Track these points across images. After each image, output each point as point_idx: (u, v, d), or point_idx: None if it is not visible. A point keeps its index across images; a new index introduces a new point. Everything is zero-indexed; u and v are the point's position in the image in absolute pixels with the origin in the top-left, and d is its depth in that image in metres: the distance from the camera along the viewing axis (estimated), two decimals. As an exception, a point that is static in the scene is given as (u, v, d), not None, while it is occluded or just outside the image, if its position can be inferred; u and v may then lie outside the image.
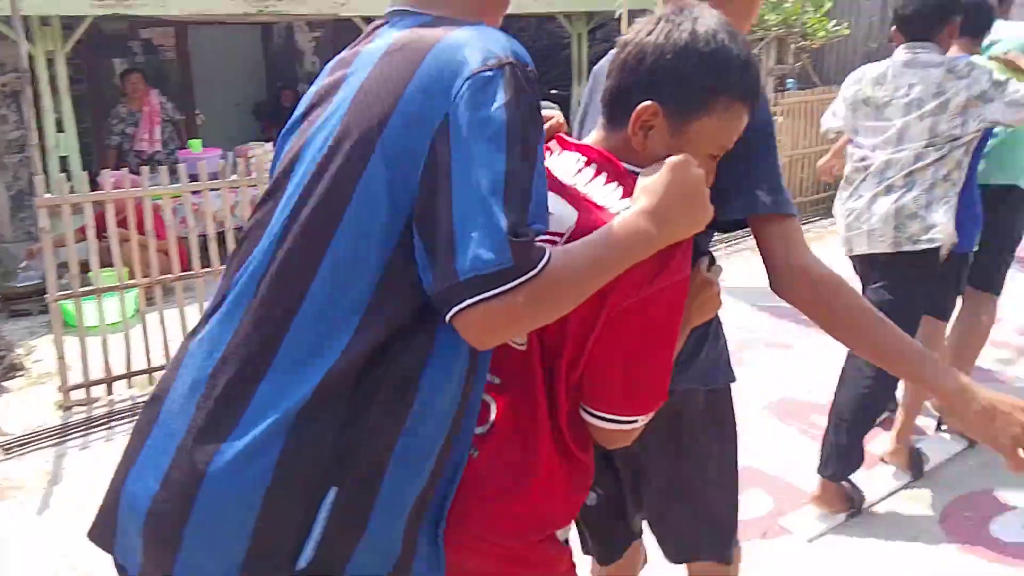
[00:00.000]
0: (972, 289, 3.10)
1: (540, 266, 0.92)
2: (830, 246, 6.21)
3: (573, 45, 9.78)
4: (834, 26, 8.12)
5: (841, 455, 2.65)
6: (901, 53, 2.63)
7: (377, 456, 0.98)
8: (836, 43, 8.46)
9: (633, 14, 7.35)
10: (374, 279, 0.96)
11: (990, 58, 2.88)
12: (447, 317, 0.93)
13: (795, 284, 1.27)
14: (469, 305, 0.90)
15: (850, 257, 2.80)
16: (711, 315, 1.33)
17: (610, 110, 1.20)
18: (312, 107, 1.09)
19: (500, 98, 0.93)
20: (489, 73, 0.95)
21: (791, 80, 7.95)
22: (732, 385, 1.57)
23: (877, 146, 2.64)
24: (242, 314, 1.00)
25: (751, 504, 2.74)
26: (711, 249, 1.44)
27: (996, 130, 2.77)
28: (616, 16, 7.73)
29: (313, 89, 1.12)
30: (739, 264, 4.86)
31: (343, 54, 1.12)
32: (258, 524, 0.94)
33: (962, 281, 2.99)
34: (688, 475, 1.52)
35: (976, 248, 2.93)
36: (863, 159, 2.68)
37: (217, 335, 1.02)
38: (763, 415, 3.46)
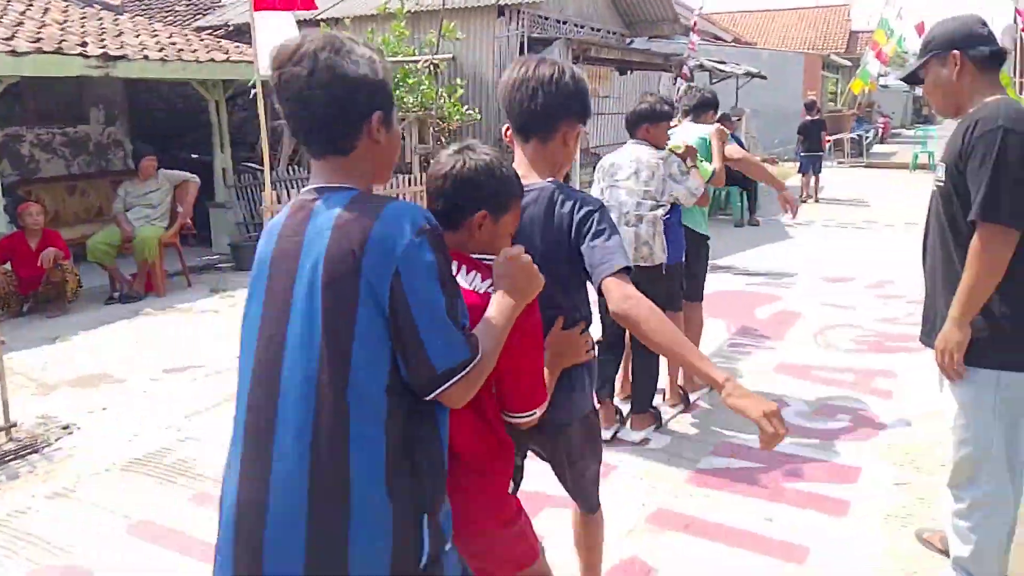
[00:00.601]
0: (686, 302, 4.58)
1: (480, 351, 1.51)
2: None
3: (212, 111, 9.33)
4: (467, 110, 8.77)
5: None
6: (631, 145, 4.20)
7: (432, 489, 1.52)
8: (470, 125, 9.13)
9: (267, 84, 7.17)
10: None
11: (669, 149, 4.23)
12: (432, 395, 1.47)
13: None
14: (452, 385, 1.47)
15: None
16: (576, 360, 2.11)
17: (449, 220, 1.79)
18: (274, 260, 1.54)
19: (428, 254, 1.45)
20: (418, 239, 1.45)
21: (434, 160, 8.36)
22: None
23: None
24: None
25: None
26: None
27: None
28: (251, 85, 7.53)
29: (269, 248, 1.56)
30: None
31: (287, 223, 1.55)
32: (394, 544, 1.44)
33: (679, 280, 4.44)
34: (574, 473, 2.34)
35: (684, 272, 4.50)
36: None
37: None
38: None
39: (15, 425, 4.27)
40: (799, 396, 4.68)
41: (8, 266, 6.69)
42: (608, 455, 3.93)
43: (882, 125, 27.55)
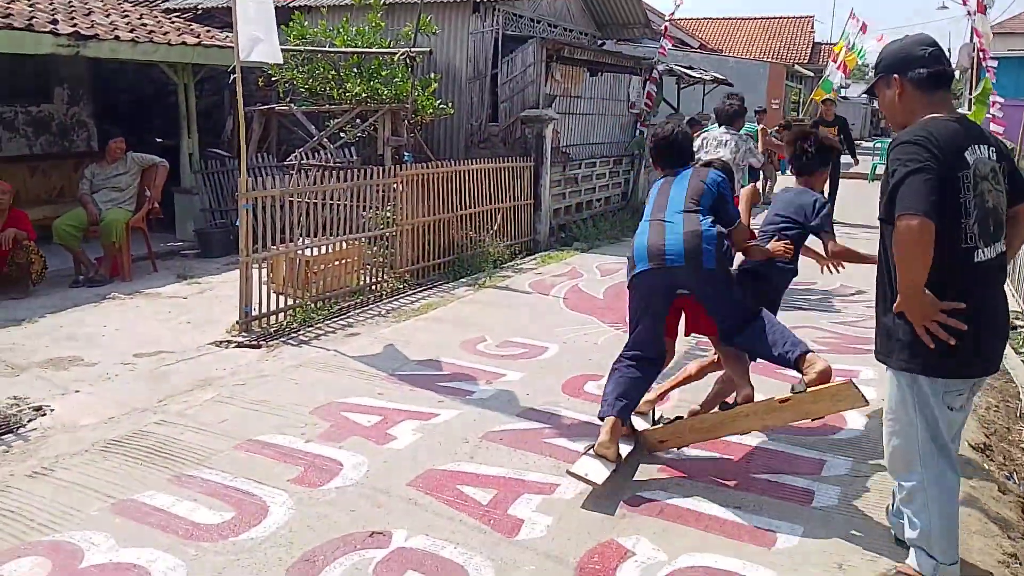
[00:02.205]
0: None
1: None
2: (452, 311, 6.67)
3: (180, 94, 9.22)
4: (440, 104, 8.80)
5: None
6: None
7: None
8: (443, 120, 9.17)
9: (246, 70, 7.13)
10: None
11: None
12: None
13: None
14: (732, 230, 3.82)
15: None
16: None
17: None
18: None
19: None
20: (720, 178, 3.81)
21: (408, 153, 8.38)
22: None
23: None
24: None
25: None
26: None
27: None
28: (230, 70, 7.48)
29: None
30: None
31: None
32: None
33: None
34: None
35: None
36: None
37: None
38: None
39: (-15, 405, 4.22)
40: (767, 394, 4.82)
41: (-29, 245, 6.55)
42: (583, 445, 4.05)
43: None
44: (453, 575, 2.91)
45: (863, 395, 3.33)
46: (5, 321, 5.92)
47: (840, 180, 12.17)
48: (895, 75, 2.71)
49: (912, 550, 2.81)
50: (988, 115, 11.76)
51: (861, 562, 3.04)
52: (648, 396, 4.21)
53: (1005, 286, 2.85)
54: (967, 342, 2.59)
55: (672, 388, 4.41)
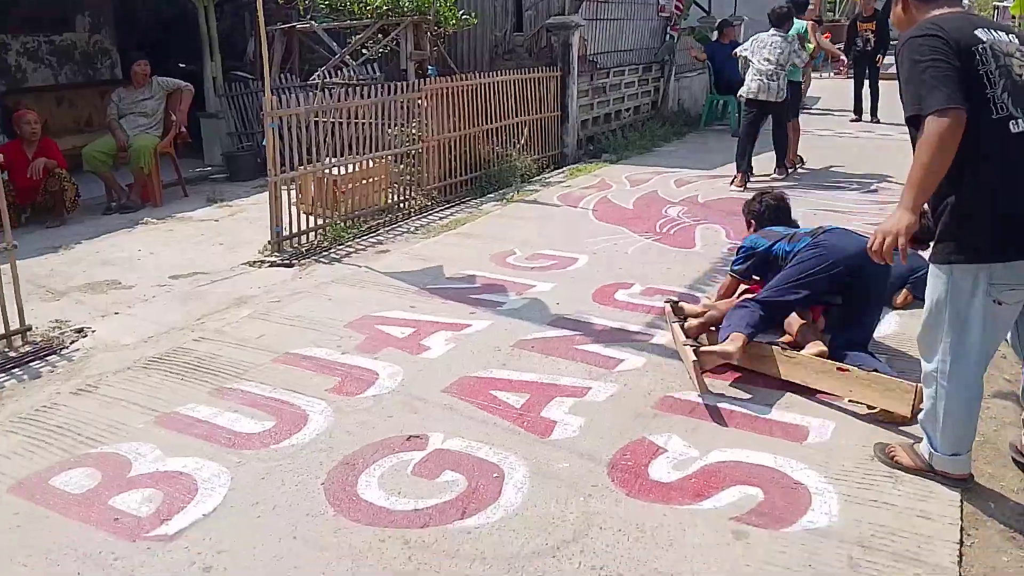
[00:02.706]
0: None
1: None
2: (481, 225, 6.66)
3: (200, 18, 9.09)
4: (463, 15, 8.58)
5: None
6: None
7: None
8: (466, 31, 8.95)
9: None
10: None
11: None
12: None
13: None
14: None
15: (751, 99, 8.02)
16: None
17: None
18: None
19: None
20: None
21: (432, 66, 8.23)
22: None
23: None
24: None
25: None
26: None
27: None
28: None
29: None
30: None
31: None
32: None
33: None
34: None
35: None
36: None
37: None
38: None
39: (30, 329, 4.34)
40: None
41: (5, 175, 6.63)
42: (613, 351, 4.07)
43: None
44: (489, 473, 2.98)
45: (912, 408, 3.17)
46: (43, 249, 6.03)
47: (880, 81, 11.84)
48: None
49: (921, 426, 2.88)
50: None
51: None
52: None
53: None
54: (1003, 225, 2.52)
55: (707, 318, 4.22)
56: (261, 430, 3.33)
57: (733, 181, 8.02)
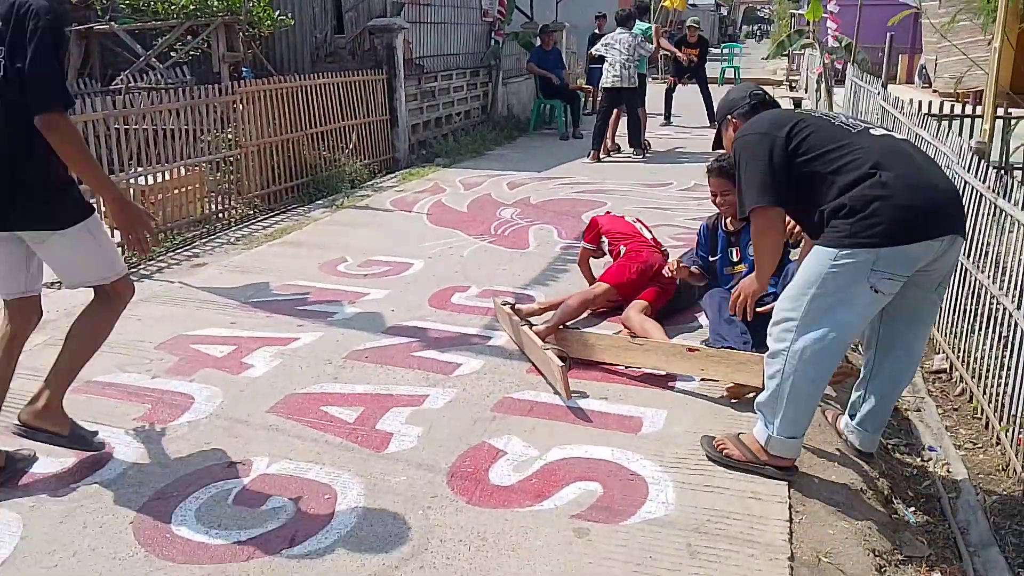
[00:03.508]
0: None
1: None
2: (309, 234, 6.37)
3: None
4: (279, 16, 8.23)
5: None
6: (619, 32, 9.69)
7: None
8: (285, 33, 8.59)
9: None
10: None
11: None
12: None
13: None
14: None
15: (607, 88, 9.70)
16: None
17: None
18: None
19: None
20: None
21: (246, 68, 7.82)
22: None
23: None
24: None
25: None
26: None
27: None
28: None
29: None
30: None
31: None
32: None
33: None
34: None
35: None
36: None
37: None
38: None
39: None
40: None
41: None
42: (451, 355, 3.97)
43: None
44: (320, 495, 2.78)
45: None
46: None
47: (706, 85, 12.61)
48: (727, 116, 3.19)
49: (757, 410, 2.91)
50: (825, 13, 12.22)
51: (721, 434, 3.13)
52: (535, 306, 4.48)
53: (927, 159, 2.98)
54: (879, 211, 2.58)
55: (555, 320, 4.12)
56: (59, 469, 2.96)
57: (588, 155, 9.74)
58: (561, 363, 3.50)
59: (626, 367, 3.73)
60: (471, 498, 2.77)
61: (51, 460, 3.00)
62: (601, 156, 9.75)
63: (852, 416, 3.15)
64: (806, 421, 2.83)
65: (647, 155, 10.09)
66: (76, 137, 2.67)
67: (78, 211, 2.75)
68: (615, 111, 9.86)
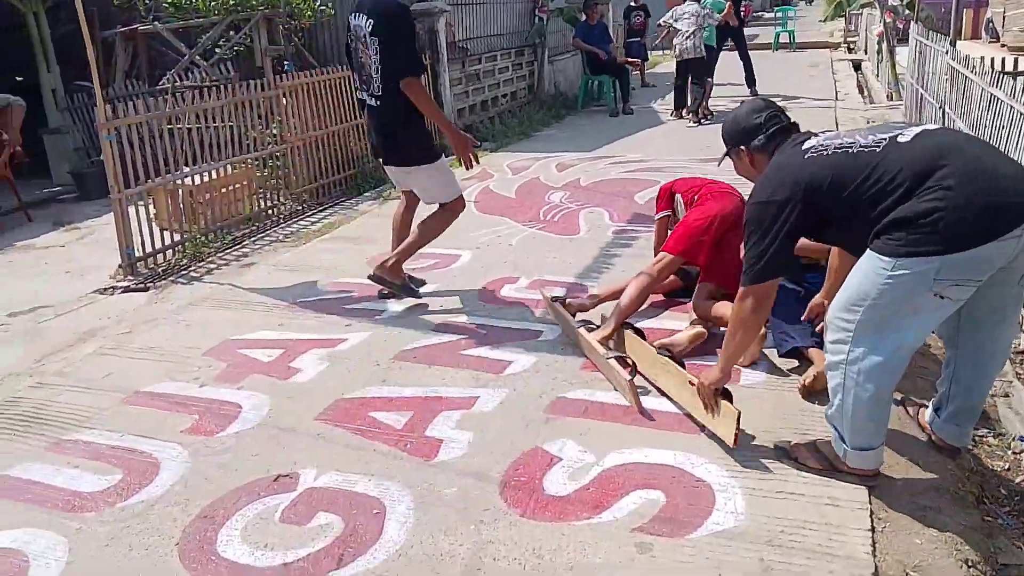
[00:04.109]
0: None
1: None
2: (357, 228, 6.28)
3: (31, 24, 8.28)
4: (319, 7, 8.12)
5: None
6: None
7: None
8: (327, 23, 8.48)
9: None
10: None
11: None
12: None
13: None
14: None
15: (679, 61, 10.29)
16: None
17: None
18: None
19: None
20: None
21: (288, 62, 7.74)
22: None
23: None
24: None
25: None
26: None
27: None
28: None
29: None
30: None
31: None
32: None
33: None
34: None
35: None
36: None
37: None
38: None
39: None
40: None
41: None
42: (501, 353, 3.83)
43: (744, 9, 27.89)
44: (368, 510, 2.67)
45: (735, 437, 2.80)
46: None
47: (726, 52, 12.01)
48: (740, 147, 2.92)
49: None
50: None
51: (792, 436, 2.92)
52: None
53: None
54: (939, 217, 2.29)
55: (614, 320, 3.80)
56: (106, 487, 2.91)
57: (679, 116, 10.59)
58: (628, 376, 3.23)
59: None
60: (525, 510, 2.63)
61: (98, 478, 2.95)
62: (683, 116, 10.48)
63: (938, 410, 2.90)
64: (880, 432, 2.60)
65: (706, 122, 10.10)
66: (425, 92, 4.21)
67: (430, 155, 4.32)
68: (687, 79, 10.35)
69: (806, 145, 2.64)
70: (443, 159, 4.41)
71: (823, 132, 2.78)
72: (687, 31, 10.01)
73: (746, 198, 2.77)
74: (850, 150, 2.50)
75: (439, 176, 4.38)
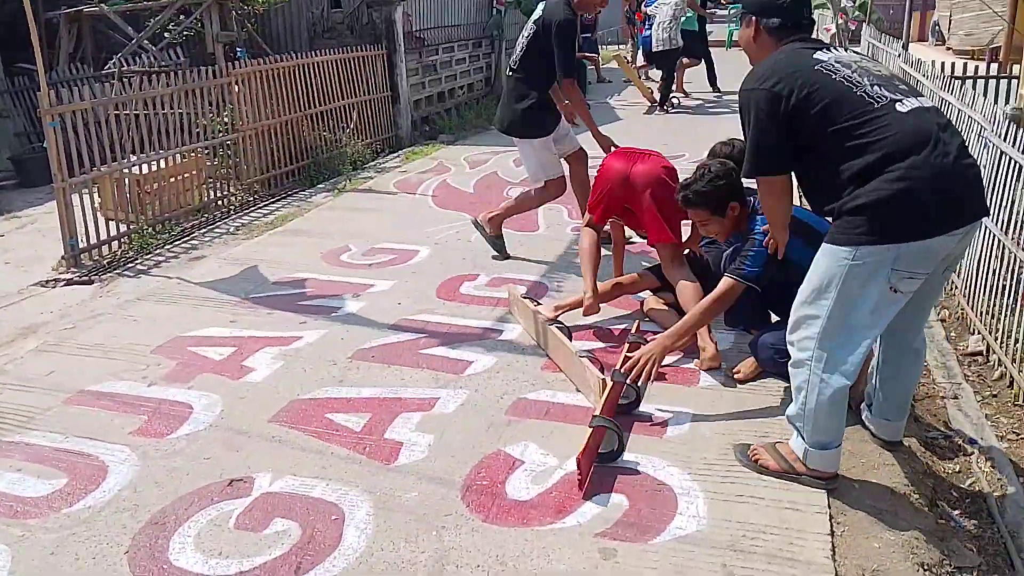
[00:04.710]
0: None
1: None
2: (311, 220, 6.15)
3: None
4: (273, -7, 7.95)
5: None
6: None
7: None
8: (281, 9, 8.31)
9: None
10: None
11: None
12: None
13: None
14: None
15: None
16: None
17: None
18: None
19: None
20: None
21: (241, 48, 7.55)
22: None
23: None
24: None
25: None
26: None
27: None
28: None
29: None
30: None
31: None
32: None
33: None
34: None
35: None
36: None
37: None
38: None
39: None
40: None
41: None
42: (461, 352, 3.78)
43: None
44: (327, 516, 2.61)
45: (601, 407, 2.91)
46: None
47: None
48: (752, 16, 2.81)
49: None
50: None
51: (752, 437, 2.94)
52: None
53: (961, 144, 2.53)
54: (902, 204, 2.34)
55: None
56: (50, 491, 2.79)
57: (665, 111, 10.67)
58: (600, 375, 3.16)
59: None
60: (488, 515, 2.59)
61: (41, 482, 2.83)
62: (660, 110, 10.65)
63: (870, 406, 2.97)
64: (839, 430, 2.65)
65: (668, 112, 10.60)
66: (578, 93, 5.05)
67: (537, 131, 4.84)
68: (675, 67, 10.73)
69: (817, 55, 2.60)
70: (547, 139, 4.90)
71: (836, 49, 2.76)
72: (662, 21, 10.27)
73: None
74: (855, 90, 2.49)
75: (539, 153, 4.92)
